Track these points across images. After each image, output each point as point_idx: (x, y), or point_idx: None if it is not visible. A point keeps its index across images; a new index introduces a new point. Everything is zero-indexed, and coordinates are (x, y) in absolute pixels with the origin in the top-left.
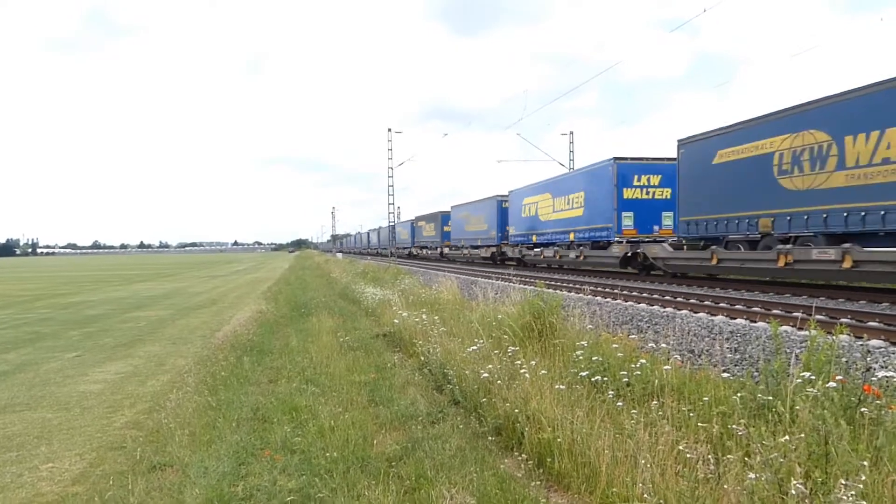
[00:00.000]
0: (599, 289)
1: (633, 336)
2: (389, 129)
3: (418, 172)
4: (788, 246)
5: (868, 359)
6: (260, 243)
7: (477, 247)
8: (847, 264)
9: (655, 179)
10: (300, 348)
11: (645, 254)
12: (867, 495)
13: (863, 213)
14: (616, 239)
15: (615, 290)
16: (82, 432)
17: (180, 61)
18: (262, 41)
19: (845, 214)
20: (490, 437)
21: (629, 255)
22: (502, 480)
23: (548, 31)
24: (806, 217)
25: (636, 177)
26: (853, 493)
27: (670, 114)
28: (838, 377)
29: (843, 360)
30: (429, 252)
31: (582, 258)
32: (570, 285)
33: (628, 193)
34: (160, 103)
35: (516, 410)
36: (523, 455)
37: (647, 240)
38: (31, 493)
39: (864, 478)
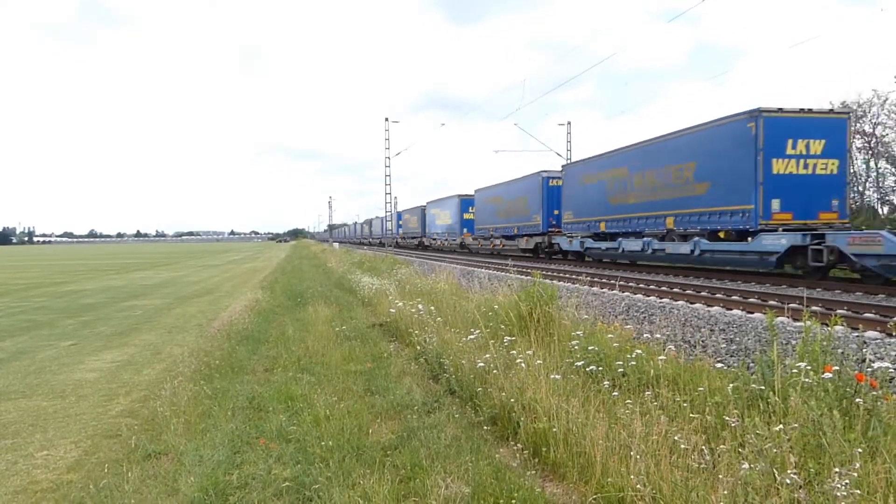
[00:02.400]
0: (595, 279)
1: (629, 326)
2: (387, 119)
3: (414, 162)
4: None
5: (864, 350)
6: (256, 233)
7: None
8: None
9: (818, 146)
10: (296, 337)
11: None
12: (861, 485)
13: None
14: (761, 226)
15: (612, 281)
16: (77, 420)
17: (176, 49)
18: (258, 29)
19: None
20: (486, 427)
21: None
22: (497, 470)
23: (545, 19)
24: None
25: (791, 141)
26: (847, 481)
27: (668, 104)
28: (834, 368)
29: (840, 351)
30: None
31: (698, 253)
32: (566, 275)
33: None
34: (157, 92)
35: (512, 400)
36: (519, 445)
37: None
38: (25, 481)
39: (858, 465)
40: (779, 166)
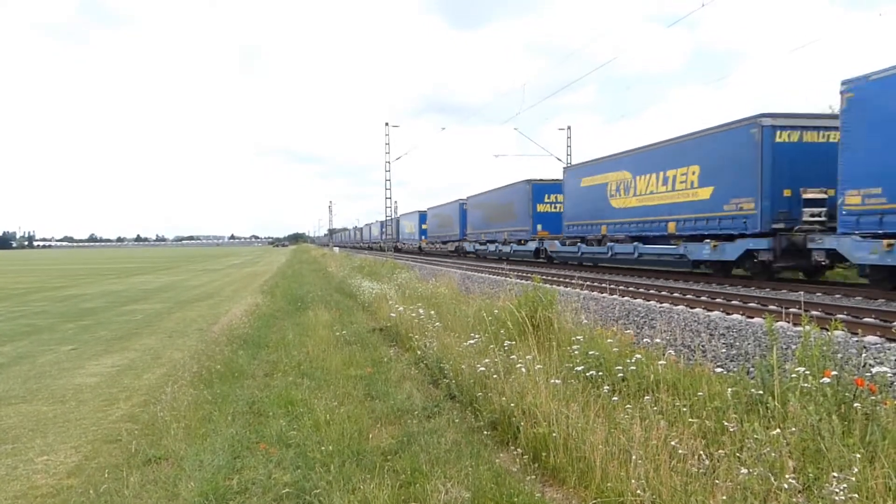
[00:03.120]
0: (596, 284)
1: (629, 331)
2: (387, 124)
3: (415, 166)
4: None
5: (864, 355)
6: (257, 237)
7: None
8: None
9: None
10: (296, 342)
11: None
12: (860, 490)
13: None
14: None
15: (612, 286)
16: (78, 425)
17: (176, 52)
18: (257, 32)
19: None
20: (485, 432)
21: None
22: (497, 475)
23: (545, 23)
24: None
25: None
26: (845, 485)
27: (668, 108)
28: (833, 372)
29: (839, 356)
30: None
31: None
32: (564, 280)
33: None
34: (157, 94)
35: (512, 405)
36: (518, 449)
37: None
38: (26, 486)
39: (856, 470)
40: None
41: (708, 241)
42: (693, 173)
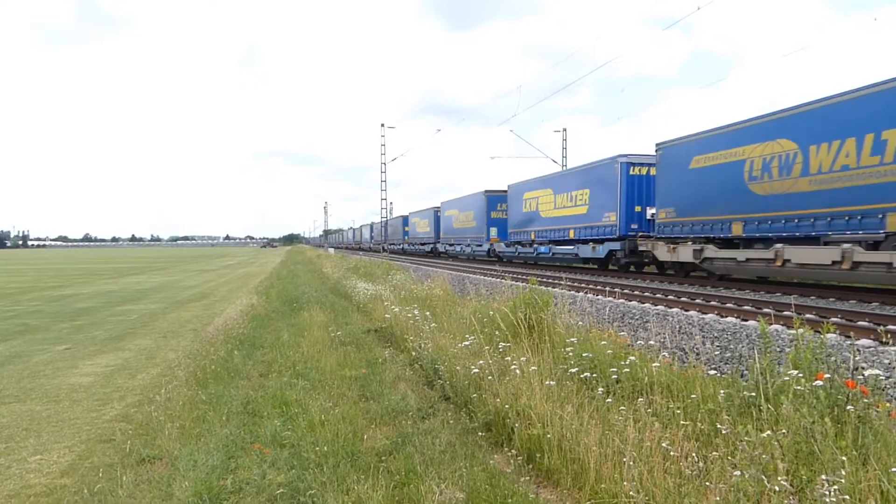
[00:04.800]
0: (591, 286)
1: (623, 333)
2: (383, 125)
3: (410, 168)
4: None
5: (856, 357)
6: (252, 237)
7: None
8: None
9: None
10: (291, 343)
11: None
12: (852, 492)
13: None
14: None
15: (607, 288)
16: (71, 425)
17: (173, 54)
18: (254, 34)
19: None
20: (480, 433)
21: None
22: (492, 476)
23: (541, 26)
24: None
25: None
26: (836, 487)
27: (664, 111)
28: (826, 375)
29: (833, 358)
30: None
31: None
32: (559, 282)
33: None
34: (153, 96)
35: (506, 406)
36: (513, 451)
37: None
38: (19, 485)
39: (844, 473)
40: None
41: (590, 243)
42: (585, 194)
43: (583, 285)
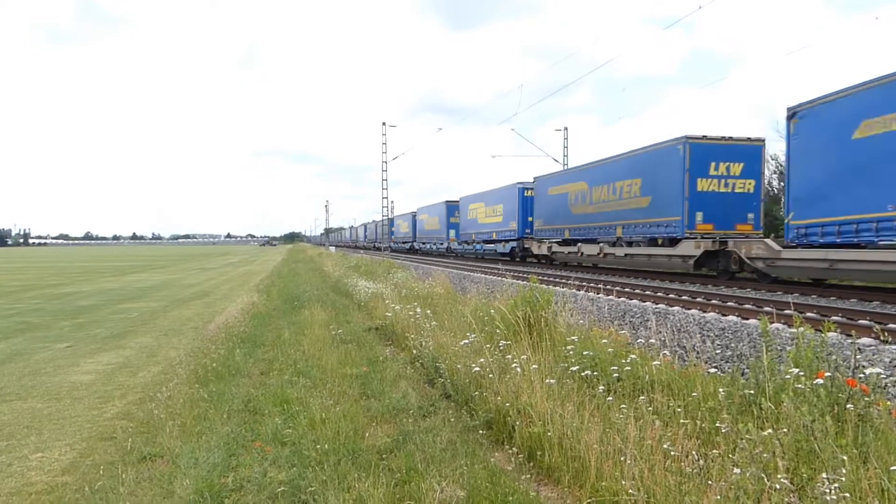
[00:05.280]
0: (592, 284)
1: (624, 331)
2: (384, 124)
3: (411, 167)
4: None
5: (857, 356)
6: (253, 236)
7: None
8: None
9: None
10: (292, 341)
11: None
12: (852, 490)
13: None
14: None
15: (608, 287)
16: (73, 422)
17: (174, 52)
18: (255, 33)
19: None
20: (481, 431)
21: None
22: (493, 474)
23: (542, 25)
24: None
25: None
26: (836, 486)
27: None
28: (826, 373)
29: (833, 357)
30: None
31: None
32: (560, 280)
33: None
34: (154, 95)
35: (507, 404)
36: (514, 449)
37: None
38: (20, 483)
39: (844, 471)
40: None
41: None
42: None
43: (582, 284)
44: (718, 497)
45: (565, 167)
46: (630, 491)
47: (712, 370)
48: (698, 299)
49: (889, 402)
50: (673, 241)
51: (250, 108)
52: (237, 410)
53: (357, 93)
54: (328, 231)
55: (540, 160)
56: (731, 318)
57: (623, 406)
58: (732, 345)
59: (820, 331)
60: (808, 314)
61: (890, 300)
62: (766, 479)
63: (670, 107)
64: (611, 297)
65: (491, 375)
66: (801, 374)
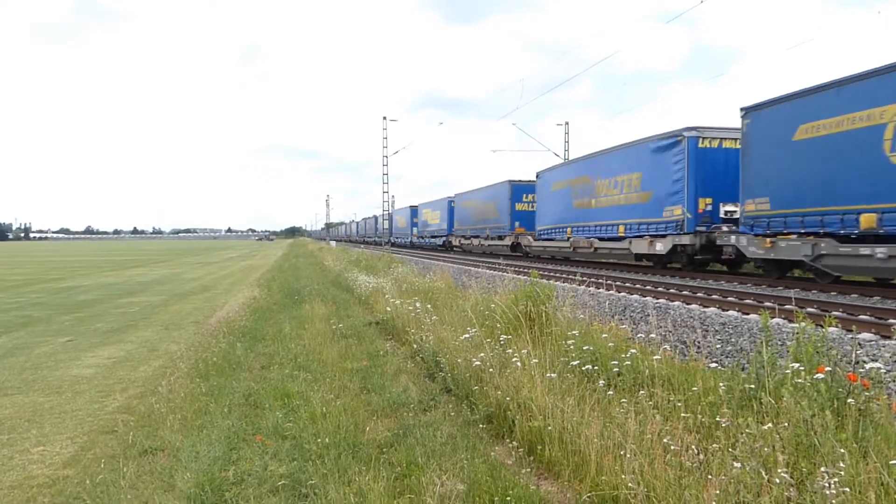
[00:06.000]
0: (593, 279)
1: (625, 326)
2: (384, 118)
3: (411, 161)
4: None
5: (857, 351)
6: (254, 230)
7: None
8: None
9: None
10: (293, 335)
11: None
12: (852, 484)
13: None
14: None
15: (608, 281)
16: (74, 416)
17: (175, 47)
18: (256, 28)
19: None
20: (481, 425)
21: None
22: (493, 468)
23: (543, 20)
24: None
25: None
26: (836, 480)
27: (666, 105)
28: (827, 368)
29: (833, 352)
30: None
31: None
32: (561, 275)
33: None
34: (155, 89)
35: (507, 398)
36: (514, 443)
37: None
38: (21, 476)
39: (843, 465)
40: None
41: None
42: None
43: (584, 278)
44: (718, 491)
45: (566, 161)
46: (630, 485)
47: (713, 365)
48: (699, 294)
49: (888, 397)
50: None
51: (251, 103)
52: (238, 404)
53: (358, 88)
54: (329, 226)
55: (541, 154)
56: (731, 312)
57: (623, 400)
58: (733, 339)
59: (821, 325)
60: (809, 309)
61: (891, 295)
62: (765, 474)
63: (671, 101)
64: (611, 291)
65: (491, 370)
66: (802, 368)
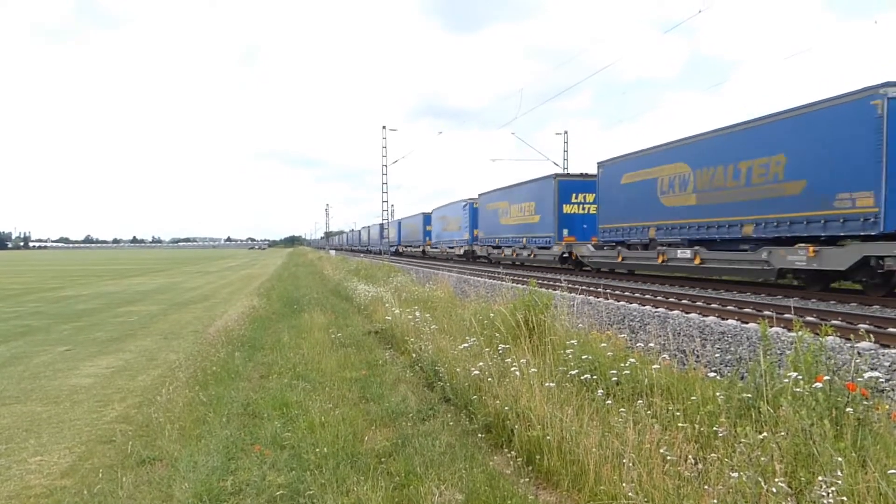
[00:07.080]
0: (591, 288)
1: (623, 335)
2: (384, 127)
3: (411, 170)
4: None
5: (856, 360)
6: (253, 239)
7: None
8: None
9: None
10: (292, 344)
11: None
12: (850, 493)
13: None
14: None
15: (607, 290)
16: (72, 426)
17: (173, 54)
18: (255, 35)
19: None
20: (480, 435)
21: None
22: (491, 478)
23: (543, 29)
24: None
25: None
26: (834, 489)
27: (665, 114)
28: (825, 377)
29: (832, 361)
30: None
31: None
32: (563, 284)
33: None
34: (154, 98)
35: (506, 408)
36: (512, 452)
37: None
38: (19, 486)
39: (841, 474)
40: None
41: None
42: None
43: (581, 287)
44: (716, 501)
45: (565, 171)
46: (629, 494)
47: (711, 374)
48: (698, 303)
49: (887, 406)
50: None
51: (250, 112)
52: (236, 414)
53: (358, 96)
54: (328, 234)
55: (540, 164)
56: (730, 321)
57: (622, 410)
58: (732, 348)
59: (819, 335)
60: (808, 318)
61: (890, 304)
62: (763, 483)
63: (670, 110)
64: (610, 300)
65: (490, 379)
66: (800, 377)
